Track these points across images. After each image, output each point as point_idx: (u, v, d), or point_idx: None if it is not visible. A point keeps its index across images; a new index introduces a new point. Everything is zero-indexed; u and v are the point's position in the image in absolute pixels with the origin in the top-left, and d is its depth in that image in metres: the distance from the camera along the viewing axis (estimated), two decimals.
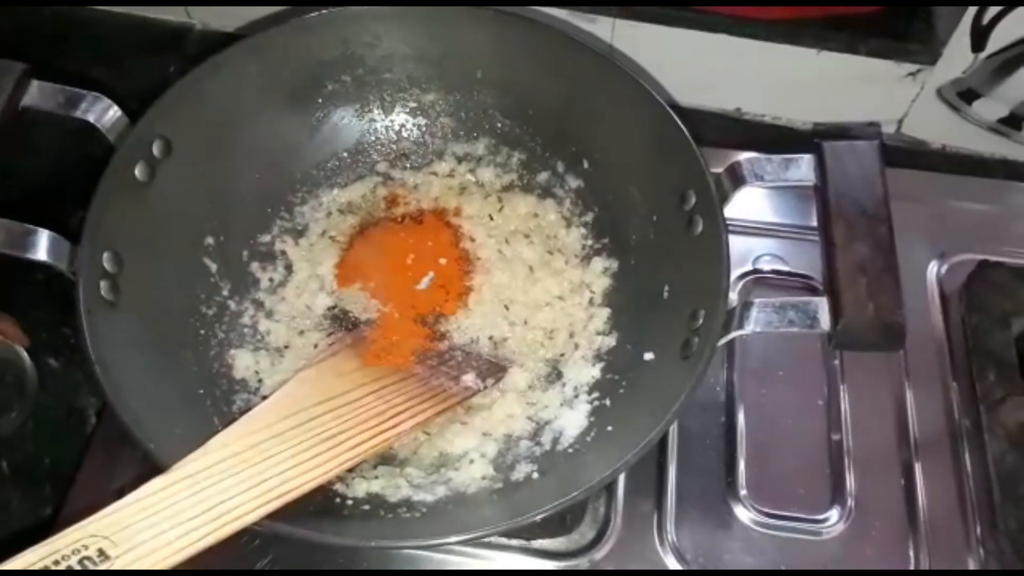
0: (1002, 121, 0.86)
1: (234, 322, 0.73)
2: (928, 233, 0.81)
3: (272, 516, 0.54)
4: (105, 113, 0.65)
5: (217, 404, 0.68)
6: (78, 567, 0.46)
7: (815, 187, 0.62)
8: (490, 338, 0.73)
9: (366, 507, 0.63)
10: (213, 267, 0.73)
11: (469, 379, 0.69)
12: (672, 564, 0.67)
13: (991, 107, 0.85)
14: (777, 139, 0.91)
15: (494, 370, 0.71)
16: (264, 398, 0.67)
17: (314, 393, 0.62)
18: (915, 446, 0.72)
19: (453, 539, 0.56)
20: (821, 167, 0.61)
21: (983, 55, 0.80)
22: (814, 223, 0.62)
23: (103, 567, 0.46)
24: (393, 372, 0.68)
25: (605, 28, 0.85)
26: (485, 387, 0.70)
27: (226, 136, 0.73)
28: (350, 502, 0.63)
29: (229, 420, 0.61)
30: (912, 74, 0.83)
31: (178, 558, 0.49)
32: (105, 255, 0.63)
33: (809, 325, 0.58)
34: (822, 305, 0.58)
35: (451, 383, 0.69)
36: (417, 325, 0.73)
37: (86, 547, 0.47)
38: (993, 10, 0.76)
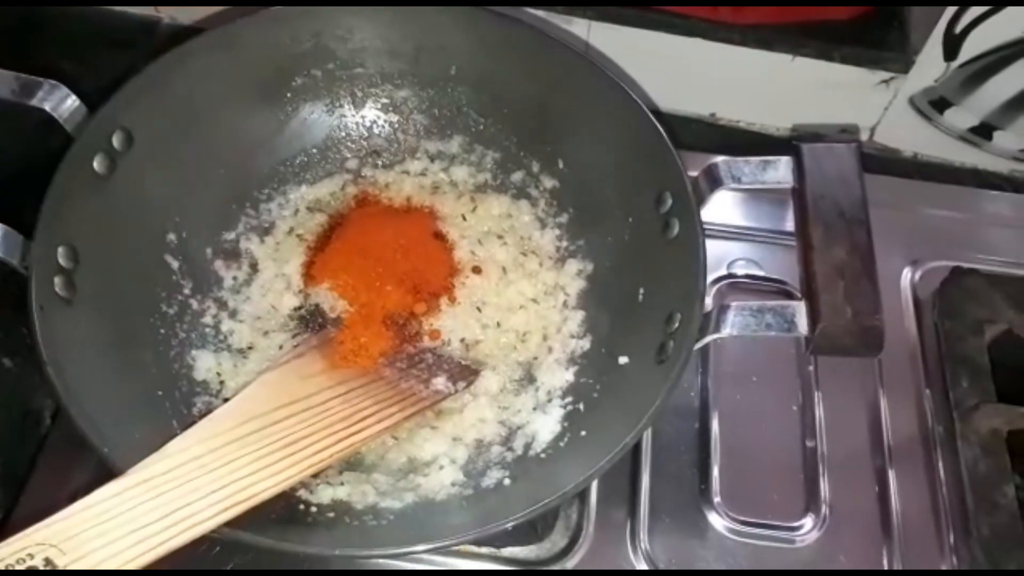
0: (972, 130, 0.87)
1: (196, 322, 0.71)
2: (901, 240, 0.82)
3: (233, 523, 0.52)
4: (63, 102, 0.64)
5: (176, 407, 0.66)
6: None
7: (792, 189, 0.62)
8: (462, 340, 0.72)
9: (331, 514, 0.61)
10: (175, 264, 0.71)
11: (440, 382, 0.68)
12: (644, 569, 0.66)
13: (962, 116, 0.86)
14: (751, 145, 0.91)
15: (466, 373, 0.69)
16: (226, 401, 0.65)
17: (277, 396, 0.61)
18: (889, 453, 0.72)
19: (420, 548, 0.54)
20: (799, 169, 0.61)
21: (955, 64, 0.81)
22: (789, 227, 0.62)
23: None
24: (360, 375, 0.66)
25: (581, 30, 0.84)
26: (456, 391, 0.68)
27: (190, 129, 0.71)
28: (315, 509, 0.61)
29: (189, 423, 0.59)
30: (885, 82, 0.84)
31: (131, 567, 0.47)
32: (60, 250, 0.61)
33: (786, 329, 0.57)
34: (800, 309, 0.58)
35: (421, 386, 0.67)
36: (386, 327, 0.71)
37: (31, 556, 0.44)
38: (965, 20, 0.76)
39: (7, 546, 0.45)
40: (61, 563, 0.45)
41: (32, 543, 0.45)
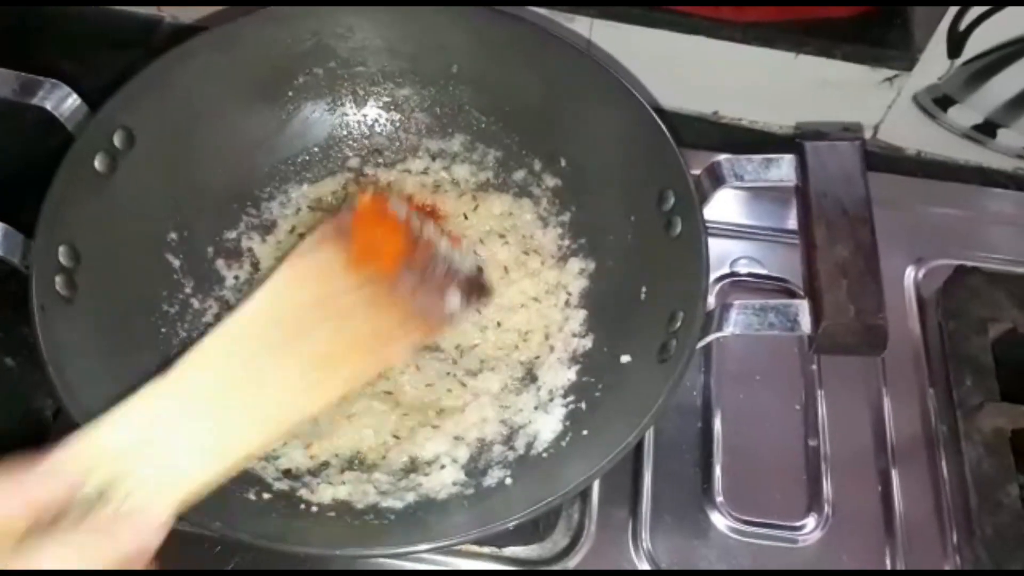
0: (976, 128, 0.86)
1: (197, 321, 0.71)
2: (905, 238, 0.81)
3: (234, 524, 0.52)
4: (64, 101, 0.63)
5: None
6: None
7: (796, 187, 0.62)
8: (456, 347, 0.71)
9: (332, 514, 0.61)
10: (176, 263, 0.71)
11: (454, 300, 0.63)
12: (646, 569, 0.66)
13: (966, 114, 0.85)
14: (754, 143, 0.91)
15: (478, 290, 0.65)
16: None
17: (303, 292, 0.56)
18: (892, 452, 0.71)
19: (422, 547, 0.54)
20: (802, 167, 0.61)
21: (959, 61, 0.80)
22: (791, 226, 0.62)
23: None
24: (380, 281, 0.60)
25: (583, 28, 0.84)
26: (471, 308, 0.65)
27: (192, 128, 0.71)
28: (315, 508, 0.61)
29: None
30: (889, 80, 0.83)
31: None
32: (61, 249, 0.60)
33: (789, 328, 0.57)
34: (803, 308, 0.57)
35: (437, 303, 0.62)
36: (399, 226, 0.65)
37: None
38: (969, 17, 0.76)
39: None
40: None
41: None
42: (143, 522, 0.42)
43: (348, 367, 0.55)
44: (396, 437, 0.67)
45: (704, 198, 0.63)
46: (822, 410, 0.73)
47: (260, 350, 0.53)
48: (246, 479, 0.62)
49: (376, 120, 0.80)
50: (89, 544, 0.39)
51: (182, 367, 0.49)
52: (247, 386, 0.51)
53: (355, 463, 0.66)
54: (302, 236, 0.75)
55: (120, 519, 0.42)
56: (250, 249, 0.75)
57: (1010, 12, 0.74)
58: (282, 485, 0.62)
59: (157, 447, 0.45)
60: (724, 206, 0.82)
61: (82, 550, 0.38)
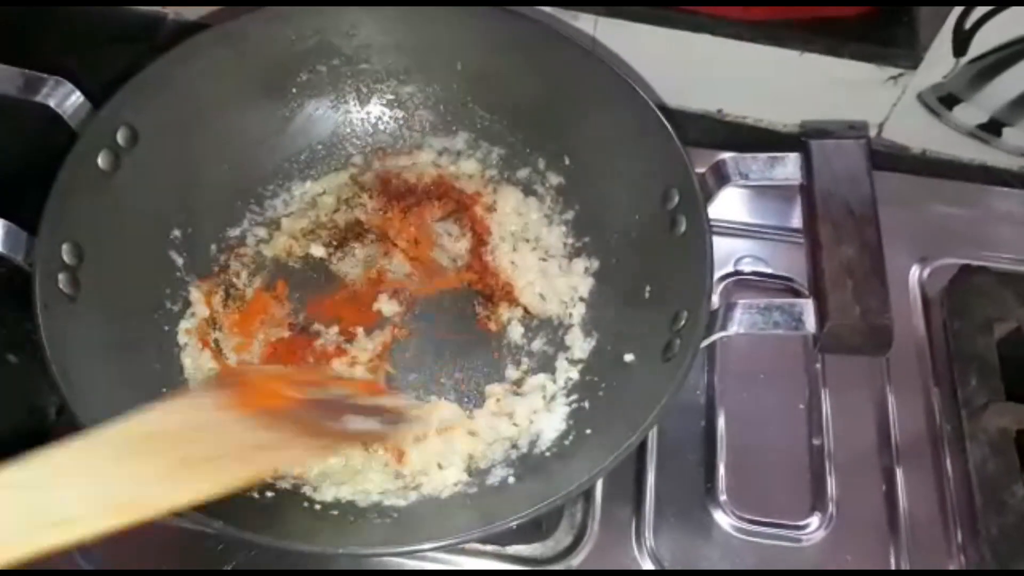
0: (981, 127, 0.86)
1: None
2: (910, 237, 0.81)
3: (238, 522, 0.52)
4: (67, 98, 0.63)
5: None
6: None
7: (801, 186, 0.62)
8: None
9: (335, 512, 0.61)
10: (179, 261, 0.71)
11: (356, 422, 0.57)
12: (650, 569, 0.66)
13: (971, 113, 0.85)
14: (758, 141, 0.90)
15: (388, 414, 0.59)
16: None
17: (185, 417, 0.52)
18: (896, 451, 0.71)
19: (425, 546, 0.54)
20: (808, 166, 0.61)
21: (964, 60, 0.80)
22: (796, 224, 0.62)
23: None
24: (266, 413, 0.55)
25: (587, 26, 0.84)
26: (390, 429, 0.59)
27: (195, 125, 0.71)
28: (319, 507, 0.61)
29: None
30: (894, 78, 0.83)
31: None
32: (64, 246, 0.60)
33: (794, 327, 0.57)
34: (807, 307, 0.57)
35: (332, 424, 0.56)
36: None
37: None
38: (975, 15, 0.76)
39: None
40: None
41: None
42: None
43: (223, 473, 0.51)
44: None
45: (709, 196, 0.63)
46: (826, 409, 0.73)
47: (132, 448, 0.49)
48: None
49: (380, 117, 0.80)
50: None
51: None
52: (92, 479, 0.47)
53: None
54: (307, 234, 0.75)
55: None
56: (254, 246, 0.75)
57: (1016, 11, 0.74)
58: (285, 484, 0.62)
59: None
60: (728, 204, 0.82)
61: None
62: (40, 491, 0.46)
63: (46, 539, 0.44)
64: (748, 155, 0.63)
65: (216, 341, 0.70)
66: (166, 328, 0.68)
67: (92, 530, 0.45)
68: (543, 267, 0.74)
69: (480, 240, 0.75)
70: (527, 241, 0.76)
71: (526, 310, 0.72)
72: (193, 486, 0.49)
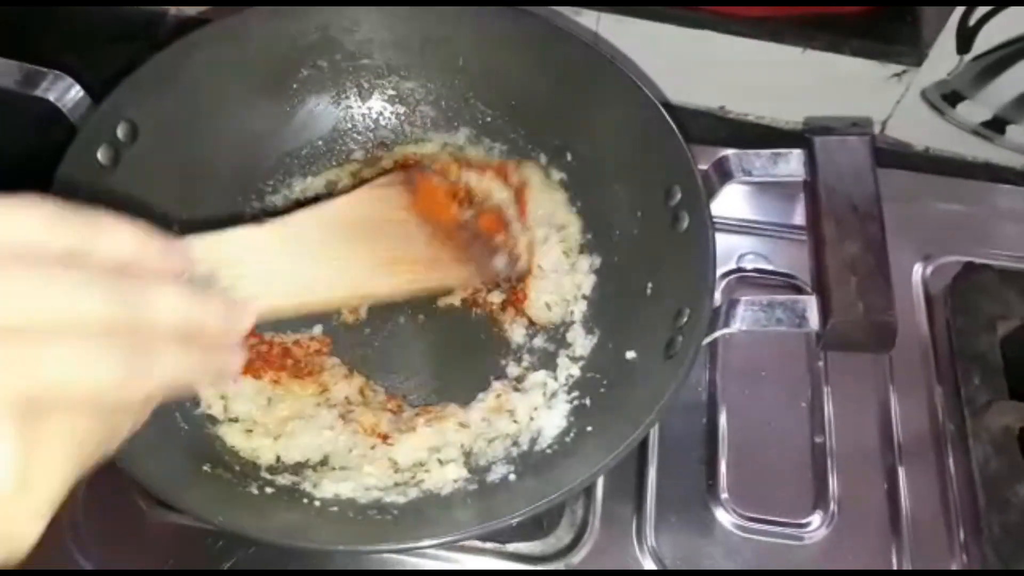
0: (985, 124, 0.86)
1: None
2: (913, 234, 0.80)
3: (237, 518, 0.51)
4: (67, 92, 0.63)
5: (182, 406, 0.65)
6: None
7: (804, 183, 0.61)
8: None
9: (334, 509, 0.61)
10: None
11: (501, 261, 0.70)
12: (651, 569, 0.66)
13: (975, 110, 0.85)
14: (761, 138, 0.90)
15: (516, 266, 0.71)
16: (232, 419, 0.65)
17: (374, 210, 0.63)
18: (899, 450, 0.71)
19: (425, 543, 0.54)
20: (811, 162, 0.60)
21: (968, 57, 0.79)
22: (798, 221, 0.61)
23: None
24: (438, 227, 0.67)
25: (590, 22, 0.83)
26: (514, 272, 0.71)
27: (196, 121, 0.70)
28: (318, 504, 0.61)
29: (193, 421, 0.57)
30: (897, 75, 0.83)
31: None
32: None
33: (797, 324, 0.57)
34: (811, 304, 0.57)
35: (486, 259, 0.69)
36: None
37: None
38: (980, 12, 0.75)
39: None
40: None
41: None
42: (239, 305, 0.44)
43: (409, 274, 0.62)
44: (399, 431, 0.66)
45: (711, 193, 0.63)
46: (829, 407, 0.72)
47: (339, 234, 0.58)
48: (248, 472, 0.62)
49: (381, 113, 0.79)
50: (195, 308, 0.40)
51: (282, 220, 0.54)
52: (330, 253, 0.56)
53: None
54: None
55: (220, 297, 0.45)
56: None
57: (1020, 9, 0.74)
58: (284, 480, 0.62)
59: (255, 265, 0.49)
60: (731, 201, 0.82)
61: (189, 311, 0.39)
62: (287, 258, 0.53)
63: (305, 299, 0.52)
64: (751, 151, 0.63)
65: None
66: None
67: (331, 301, 0.57)
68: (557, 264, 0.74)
69: None
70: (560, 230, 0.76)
71: (530, 320, 0.72)
72: (391, 280, 0.60)
